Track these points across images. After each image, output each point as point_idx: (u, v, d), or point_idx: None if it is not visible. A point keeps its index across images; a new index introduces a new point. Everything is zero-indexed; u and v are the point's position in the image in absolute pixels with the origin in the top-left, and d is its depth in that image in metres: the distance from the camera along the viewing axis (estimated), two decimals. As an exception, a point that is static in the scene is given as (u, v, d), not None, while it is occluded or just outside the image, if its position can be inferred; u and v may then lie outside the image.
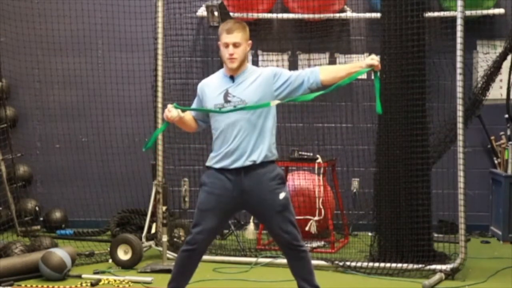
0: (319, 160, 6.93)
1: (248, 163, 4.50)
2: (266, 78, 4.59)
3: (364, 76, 7.73)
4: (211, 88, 4.64)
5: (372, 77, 4.67)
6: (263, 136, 4.54)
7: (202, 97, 4.67)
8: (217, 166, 4.57)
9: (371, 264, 6.17)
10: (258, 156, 4.51)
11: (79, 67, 7.89)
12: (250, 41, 4.67)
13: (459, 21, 5.98)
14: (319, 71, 4.58)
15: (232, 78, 4.61)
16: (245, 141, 4.51)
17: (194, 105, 4.76)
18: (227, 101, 4.56)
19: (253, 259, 6.48)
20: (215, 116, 4.59)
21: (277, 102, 4.55)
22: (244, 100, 4.53)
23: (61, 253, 5.97)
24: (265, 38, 7.64)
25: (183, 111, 4.64)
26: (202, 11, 7.37)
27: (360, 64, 4.56)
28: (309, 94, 4.58)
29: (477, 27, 7.33)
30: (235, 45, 4.55)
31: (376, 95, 4.58)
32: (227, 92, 4.57)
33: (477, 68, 6.97)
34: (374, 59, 4.51)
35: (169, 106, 4.61)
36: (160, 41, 6.78)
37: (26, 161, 7.90)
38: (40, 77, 7.93)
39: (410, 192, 6.17)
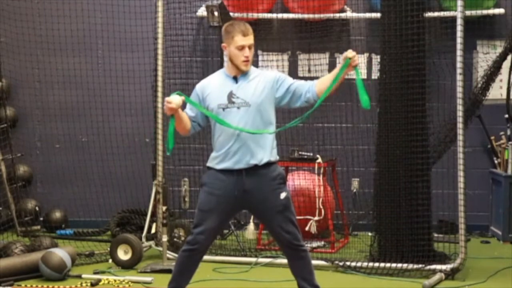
0: (319, 160, 6.93)
1: (250, 165, 4.51)
2: (269, 82, 4.59)
3: (364, 76, 7.77)
4: (213, 88, 4.62)
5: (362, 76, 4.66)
6: (264, 140, 4.54)
7: (203, 97, 4.64)
8: (219, 167, 4.56)
9: (371, 264, 6.17)
10: (259, 161, 4.52)
11: (79, 67, 7.89)
12: None
13: (459, 21, 5.98)
14: (316, 84, 4.61)
15: (235, 78, 4.61)
16: (246, 144, 4.51)
17: (191, 106, 4.68)
18: (231, 101, 4.55)
19: (253, 259, 6.48)
20: (218, 115, 4.57)
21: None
22: (248, 102, 4.53)
23: (61, 253, 5.97)
24: (265, 38, 7.64)
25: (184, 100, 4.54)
26: (202, 11, 7.37)
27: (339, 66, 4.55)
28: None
29: (477, 27, 7.33)
30: (250, 47, 4.55)
31: (360, 89, 4.58)
32: (231, 93, 4.56)
33: (477, 68, 6.98)
34: (349, 51, 4.50)
35: (167, 98, 4.50)
36: (160, 41, 6.79)
37: (26, 161, 7.91)
38: (40, 77, 7.93)
39: (410, 192, 6.17)
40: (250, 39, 4.55)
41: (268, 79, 4.61)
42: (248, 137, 4.51)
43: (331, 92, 4.63)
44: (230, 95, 4.56)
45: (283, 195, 4.55)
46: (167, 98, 4.50)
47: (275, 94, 4.59)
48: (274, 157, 4.61)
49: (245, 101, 4.54)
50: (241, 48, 4.53)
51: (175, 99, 4.48)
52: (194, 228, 4.59)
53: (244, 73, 4.60)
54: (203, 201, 4.60)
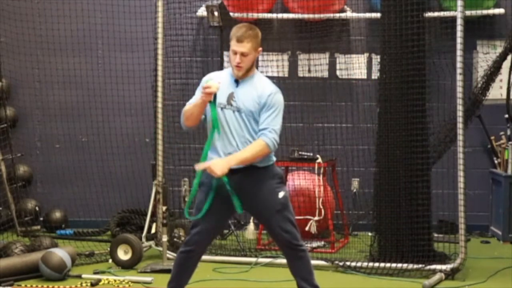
0: (319, 160, 6.93)
1: (247, 165, 4.49)
2: (260, 96, 4.52)
3: (364, 76, 7.78)
4: (220, 85, 4.61)
5: None
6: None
7: None
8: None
9: (371, 264, 6.17)
10: (257, 162, 4.51)
11: (79, 67, 7.89)
12: (260, 48, 4.61)
13: (459, 21, 5.98)
14: (251, 143, 4.49)
15: (236, 82, 4.60)
16: (241, 144, 4.51)
17: (195, 96, 4.64)
18: (229, 103, 4.54)
19: (253, 259, 6.48)
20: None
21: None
22: (241, 108, 4.52)
23: (61, 253, 5.97)
24: (265, 38, 7.55)
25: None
26: (202, 11, 7.37)
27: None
28: None
29: (477, 27, 7.33)
30: (243, 54, 4.51)
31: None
32: (232, 94, 4.55)
33: (477, 68, 6.98)
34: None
35: (205, 85, 4.41)
36: (160, 41, 6.78)
37: (26, 161, 7.90)
38: (40, 77, 7.92)
39: (410, 192, 6.17)
40: (243, 47, 4.50)
41: (263, 93, 4.52)
42: (246, 139, 4.51)
43: None
44: (231, 97, 4.55)
45: (281, 194, 4.55)
46: (204, 85, 4.43)
47: (259, 110, 4.52)
48: (272, 160, 4.60)
49: (238, 107, 4.52)
50: (234, 52, 4.52)
51: (213, 83, 4.43)
52: (192, 229, 4.59)
53: (245, 79, 4.58)
54: (201, 201, 4.59)
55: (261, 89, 4.55)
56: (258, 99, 4.52)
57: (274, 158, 4.65)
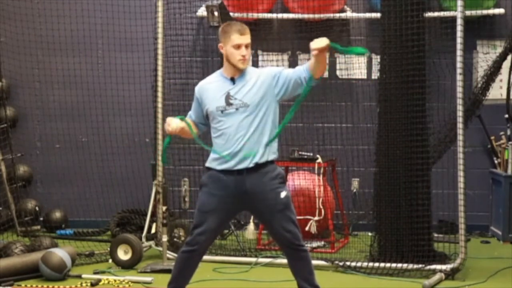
0: (319, 160, 6.93)
1: (252, 165, 4.51)
2: (266, 80, 4.58)
3: (364, 76, 7.79)
4: (211, 90, 4.63)
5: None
6: (266, 138, 4.54)
7: (201, 100, 4.66)
8: (220, 167, 4.56)
9: (371, 264, 6.17)
10: (260, 158, 4.52)
11: (79, 67, 7.89)
12: None
13: (459, 21, 5.99)
14: (308, 67, 4.55)
15: (232, 80, 4.60)
16: (248, 143, 4.51)
17: (193, 108, 4.76)
18: (229, 103, 4.55)
19: (253, 259, 6.48)
20: (217, 117, 4.58)
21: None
22: (246, 102, 4.52)
23: (61, 253, 5.97)
24: (265, 38, 7.64)
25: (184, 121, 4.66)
26: (202, 11, 7.37)
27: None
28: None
29: (477, 27, 7.33)
30: (247, 46, 4.56)
31: (350, 51, 4.68)
32: (228, 95, 4.56)
33: (477, 68, 6.98)
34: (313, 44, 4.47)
35: (168, 119, 4.66)
36: (160, 41, 6.79)
37: (26, 161, 7.91)
38: (40, 77, 7.93)
39: (410, 192, 6.17)
40: (247, 39, 4.57)
41: (265, 77, 4.59)
42: (249, 137, 4.51)
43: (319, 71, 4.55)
44: (228, 97, 4.56)
45: (283, 194, 4.55)
46: (168, 119, 4.66)
47: (274, 92, 4.58)
48: (274, 155, 4.61)
49: (242, 101, 4.53)
50: (238, 46, 4.54)
51: (173, 123, 4.62)
52: (194, 229, 4.58)
53: (242, 74, 4.60)
54: (203, 202, 4.59)
55: (260, 73, 4.63)
56: (268, 80, 4.55)
57: (277, 154, 4.65)
